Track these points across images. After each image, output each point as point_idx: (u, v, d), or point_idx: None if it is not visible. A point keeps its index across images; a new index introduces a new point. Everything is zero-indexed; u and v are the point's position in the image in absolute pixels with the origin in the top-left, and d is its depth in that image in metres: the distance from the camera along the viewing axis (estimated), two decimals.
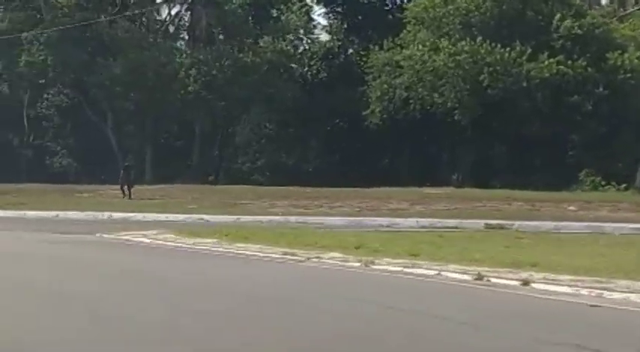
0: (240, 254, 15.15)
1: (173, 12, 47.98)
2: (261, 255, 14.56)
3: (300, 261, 13.62)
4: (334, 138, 46.55)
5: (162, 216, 28.02)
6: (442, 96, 38.21)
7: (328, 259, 13.53)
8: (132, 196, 35.79)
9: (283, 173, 50.03)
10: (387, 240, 16.45)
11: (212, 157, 48.55)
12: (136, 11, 45.96)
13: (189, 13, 46.41)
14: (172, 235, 18.70)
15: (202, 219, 27.32)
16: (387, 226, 24.86)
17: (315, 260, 13.50)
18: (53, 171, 55.20)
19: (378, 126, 42.00)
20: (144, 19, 46.75)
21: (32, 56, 42.98)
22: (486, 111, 37.73)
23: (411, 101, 39.79)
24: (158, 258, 14.82)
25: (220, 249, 16.05)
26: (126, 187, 36.17)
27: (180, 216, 27.94)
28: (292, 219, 26.57)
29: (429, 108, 39.39)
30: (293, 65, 44.45)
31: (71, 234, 19.91)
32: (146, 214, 28.52)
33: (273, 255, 14.31)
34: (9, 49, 44.78)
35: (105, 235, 19.15)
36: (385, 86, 40.48)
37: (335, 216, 27.37)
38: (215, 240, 17.52)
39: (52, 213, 30.02)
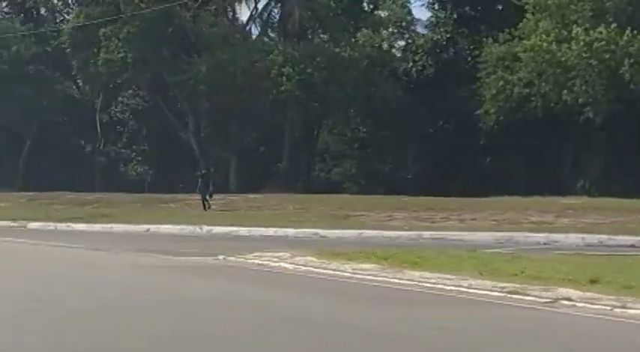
0: (432, 289, 11.52)
1: (260, 5, 44.74)
2: (472, 291, 10.88)
3: (541, 304, 9.91)
4: (437, 141, 42.73)
5: (269, 231, 24.62)
6: (571, 92, 34.12)
7: (580, 302, 9.80)
8: (208, 207, 32.52)
9: (378, 181, 46.44)
10: (611, 267, 12.69)
11: (301, 163, 45.13)
12: (220, 5, 42.81)
13: (279, 5, 43.05)
14: (313, 258, 15.15)
15: (317, 233, 23.83)
16: (545, 244, 21.06)
17: (565, 303, 9.78)
18: (128, 179, 52.51)
19: (491, 127, 38.13)
20: (229, 12, 43.64)
21: (111, 53, 40.06)
22: (624, 108, 33.59)
23: (532, 98, 35.80)
24: (339, 297, 11.12)
25: (394, 280, 12.44)
26: (206, 196, 33.10)
27: (290, 231, 24.48)
28: (426, 234, 22.88)
29: (552, 105, 35.35)
30: (394, 61, 40.79)
31: (186, 255, 16.53)
32: (250, 228, 25.13)
33: (491, 293, 10.63)
34: (86, 47, 42.04)
35: (230, 258, 15.66)
36: (501, 83, 36.53)
37: (473, 231, 23.62)
38: (375, 266, 13.91)
39: (142, 227, 26.87)
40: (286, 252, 16.04)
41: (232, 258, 15.62)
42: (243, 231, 25.02)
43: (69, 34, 42.86)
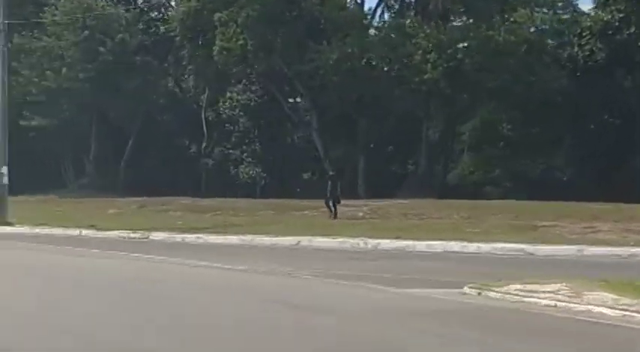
0: None
1: None
2: None
3: None
4: (599, 138, 37.67)
5: (453, 245, 20.16)
6: None
7: None
8: (337, 215, 28.38)
9: (525, 183, 41.51)
10: None
11: (437, 164, 40.58)
12: None
13: None
14: (609, 294, 10.67)
15: (522, 249, 19.29)
16: None
17: None
18: (238, 183, 48.71)
19: None
20: None
21: (228, 41, 36.17)
22: None
23: None
24: None
25: None
26: (331, 203, 28.92)
27: (484, 246, 19.94)
28: None
29: None
30: (556, 46, 35.89)
31: (411, 286, 12.13)
32: (428, 242, 20.72)
33: None
34: (198, 35, 38.32)
35: (488, 293, 11.21)
36: None
37: None
38: None
39: (289, 240, 22.67)
40: (558, 284, 11.51)
41: (490, 294, 11.13)
42: (419, 245, 20.62)
43: (179, 21, 39.22)
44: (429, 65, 33.67)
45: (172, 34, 40.22)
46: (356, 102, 38.89)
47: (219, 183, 48.43)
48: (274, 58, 37.71)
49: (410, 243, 20.93)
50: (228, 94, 48.33)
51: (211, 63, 40.50)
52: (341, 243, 21.72)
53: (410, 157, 41.29)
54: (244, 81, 47.42)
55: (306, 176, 43.90)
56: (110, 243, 23.25)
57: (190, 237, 24.15)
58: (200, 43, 38.56)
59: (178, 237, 24.51)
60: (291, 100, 43.71)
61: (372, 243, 21.42)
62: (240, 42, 35.91)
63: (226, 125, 48.90)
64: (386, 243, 21.19)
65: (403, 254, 19.68)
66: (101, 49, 39.55)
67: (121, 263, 17.21)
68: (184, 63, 43.35)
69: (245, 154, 48.50)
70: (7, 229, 28.08)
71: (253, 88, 47.02)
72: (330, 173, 32.25)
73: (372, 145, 42.86)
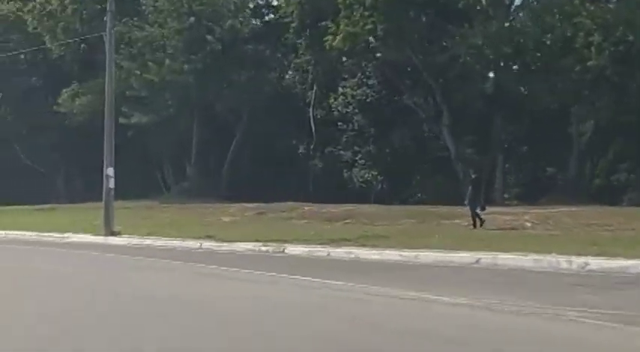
0: None
1: None
2: None
3: None
4: None
5: None
6: None
7: None
8: (482, 223, 24.46)
9: None
10: None
11: (589, 165, 35.99)
12: None
13: None
14: None
15: None
16: None
17: None
18: (354, 187, 44.90)
19: None
20: None
21: (354, 25, 32.32)
22: None
23: None
24: None
25: None
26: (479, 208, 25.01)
27: None
28: None
29: None
30: None
31: None
32: None
33: None
34: (318, 19, 34.58)
35: None
36: None
37: None
38: None
39: (464, 256, 18.63)
40: None
41: None
42: None
43: (296, 4, 35.55)
44: (593, 49, 29.22)
45: (286, 20, 36.54)
46: (493, 94, 34.71)
47: (329, 187, 44.77)
48: (403, 46, 33.67)
49: (630, 262, 16.64)
50: (341, 90, 44.61)
51: (326, 54, 36.86)
52: (536, 262, 17.52)
53: (555, 158, 36.80)
54: (359, 75, 43.65)
55: (436, 179, 39.76)
56: (242, 258, 19.60)
57: (337, 252, 20.21)
58: (319, 29, 34.62)
59: (321, 250, 20.60)
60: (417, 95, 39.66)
61: (577, 262, 17.20)
62: (369, 26, 31.97)
63: (339, 124, 45.17)
64: (596, 263, 16.94)
65: (627, 278, 15.40)
66: (208, 37, 36.10)
67: (298, 294, 13.06)
68: (299, 53, 39.46)
69: (359, 156, 44.68)
70: (115, 240, 24.71)
71: (370, 81, 43.18)
72: (473, 176, 28.18)
73: (506, 145, 38.59)
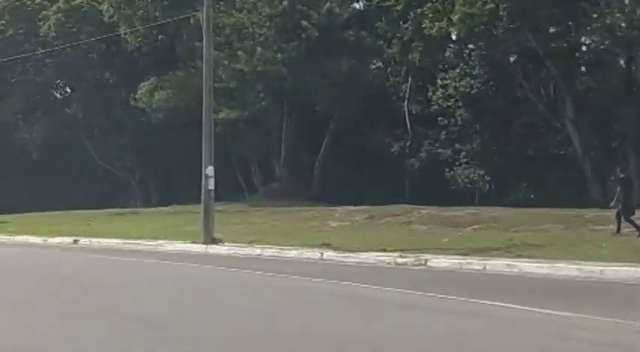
0: None
1: None
2: None
3: None
4: None
5: None
6: None
7: None
8: (618, 230, 21.16)
9: None
10: None
11: None
12: None
13: None
14: None
15: None
16: None
17: None
18: (457, 188, 41.60)
19: None
20: None
21: (471, 5, 29.10)
22: None
23: None
24: None
25: None
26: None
27: None
28: None
29: None
30: None
31: None
32: None
33: None
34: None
35: None
36: None
37: None
38: None
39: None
40: None
41: None
42: None
43: None
44: None
45: (389, 3, 33.46)
46: (626, 84, 31.21)
47: (427, 187, 41.60)
48: (523, 27, 30.34)
49: None
50: (440, 82, 41.32)
51: (429, 41, 33.76)
52: None
53: None
54: (461, 65, 40.39)
55: (554, 178, 36.33)
56: (383, 273, 16.63)
57: (494, 264, 17.04)
58: (426, 11, 31.48)
59: (472, 262, 17.48)
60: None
61: None
62: (490, 5, 28.71)
63: (439, 119, 41.90)
64: None
65: None
66: (303, 23, 33.14)
67: (543, 337, 9.78)
68: (406, 39, 36.17)
69: (462, 153, 41.34)
70: (217, 249, 21.91)
71: (474, 72, 39.86)
72: (621, 176, 24.71)
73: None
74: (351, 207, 29.85)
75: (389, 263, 18.24)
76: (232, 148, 38.66)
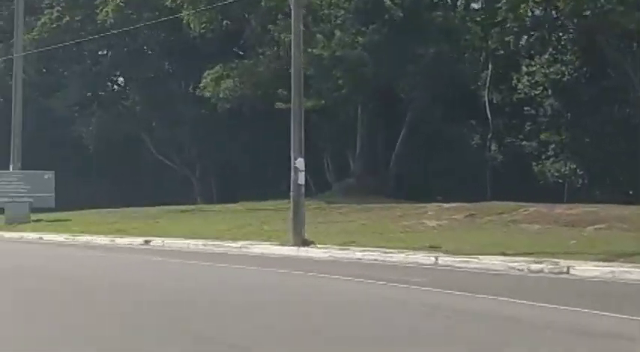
0: None
1: None
2: None
3: None
4: None
5: None
6: None
7: None
8: None
9: None
10: None
11: None
12: None
13: None
14: None
15: None
16: None
17: None
18: (544, 184, 38.80)
19: None
20: None
21: None
22: None
23: None
24: None
25: None
26: None
27: None
28: None
29: None
30: None
31: None
32: None
33: None
34: None
35: None
36: None
37: None
38: None
39: None
40: None
41: None
42: None
43: None
44: None
45: None
46: None
47: (510, 182, 38.98)
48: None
49: None
50: (525, 68, 38.52)
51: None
52: None
53: None
54: (550, 50, 37.56)
55: None
56: (520, 284, 14.24)
57: None
58: None
59: (632, 271, 14.89)
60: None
61: None
62: None
63: (525, 109, 39.16)
64: None
65: None
66: (387, 3, 30.63)
67: None
68: (499, 19, 33.56)
69: (552, 146, 38.52)
70: (311, 252, 19.59)
71: (565, 57, 37.02)
72: None
73: None
74: (445, 205, 27.33)
75: (520, 269, 15.81)
76: (312, 138, 36.26)
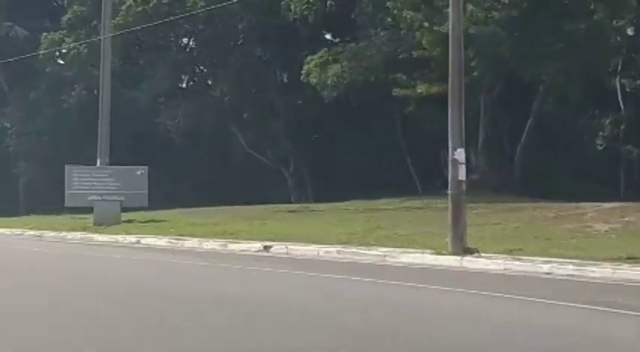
0: None
1: None
2: None
3: None
4: None
5: None
6: None
7: None
8: None
9: None
10: None
11: None
12: None
13: None
14: None
15: None
16: None
17: None
18: None
19: None
20: None
21: None
22: None
23: None
24: None
25: None
26: None
27: None
28: None
29: None
30: None
31: None
32: None
33: None
34: None
35: None
36: None
37: None
38: None
39: None
40: None
41: None
42: None
43: None
44: None
45: None
46: None
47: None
48: None
49: None
50: None
51: None
52: None
53: None
54: None
55: None
56: None
57: None
58: None
59: None
60: None
61: None
62: None
63: None
64: None
65: None
66: None
67: None
68: None
69: None
70: (476, 263, 16.22)
71: None
72: None
73: None
74: (604, 205, 23.76)
75: None
76: (430, 129, 33.02)
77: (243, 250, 20.69)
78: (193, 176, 46.77)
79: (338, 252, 18.68)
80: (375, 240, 20.50)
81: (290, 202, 40.95)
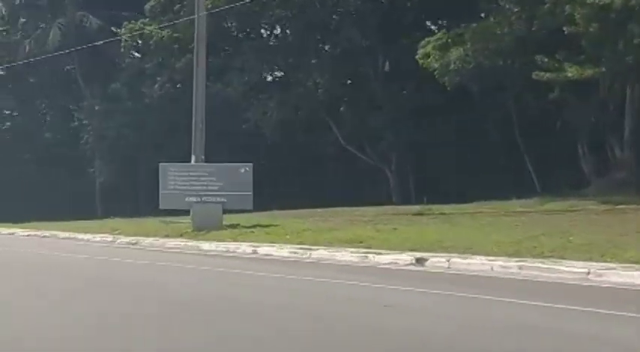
0: None
1: None
2: None
3: None
4: None
5: None
6: None
7: None
8: None
9: None
10: None
11: None
12: None
13: None
14: None
15: None
16: None
17: None
18: None
19: None
20: None
21: None
22: None
23: None
24: None
25: None
26: None
27: None
28: None
29: None
30: None
31: None
32: None
33: None
34: None
35: None
36: None
37: None
38: None
39: None
40: None
41: None
42: None
43: None
44: None
45: None
46: None
47: None
48: None
49: None
50: None
51: None
52: None
53: None
54: None
55: None
56: None
57: None
58: None
59: None
60: None
61: None
62: None
63: None
64: None
65: None
66: None
67: None
68: None
69: None
70: None
71: None
72: None
73: None
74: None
75: None
76: (566, 122, 29.38)
77: (388, 263, 17.34)
78: (285, 174, 43.81)
79: (520, 267, 15.19)
80: (551, 250, 16.93)
81: (392, 203, 37.77)
